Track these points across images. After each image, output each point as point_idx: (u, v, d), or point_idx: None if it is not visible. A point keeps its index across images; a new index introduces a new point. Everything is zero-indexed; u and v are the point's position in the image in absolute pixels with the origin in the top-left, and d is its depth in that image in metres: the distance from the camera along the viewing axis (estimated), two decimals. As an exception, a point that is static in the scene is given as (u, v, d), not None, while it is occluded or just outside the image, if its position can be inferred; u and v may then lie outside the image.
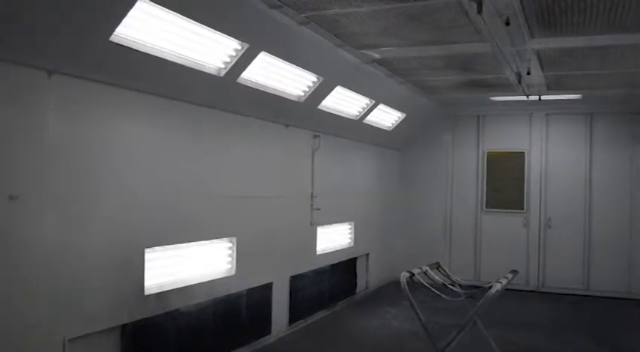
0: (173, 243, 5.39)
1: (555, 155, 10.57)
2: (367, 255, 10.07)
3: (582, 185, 10.36)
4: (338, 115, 8.05)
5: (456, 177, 11.15)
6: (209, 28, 4.84)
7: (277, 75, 6.26)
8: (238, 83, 5.70)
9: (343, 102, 7.99)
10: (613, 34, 5.71)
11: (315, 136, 7.90)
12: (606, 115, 10.26)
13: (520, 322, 8.15)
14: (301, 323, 7.67)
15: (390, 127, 10.05)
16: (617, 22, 5.32)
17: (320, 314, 8.23)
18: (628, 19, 5.25)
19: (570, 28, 5.55)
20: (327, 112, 7.70)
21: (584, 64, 7.06)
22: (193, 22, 4.65)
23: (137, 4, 4.06)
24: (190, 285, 5.57)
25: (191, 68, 5.07)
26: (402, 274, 5.40)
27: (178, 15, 4.49)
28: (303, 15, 5.19)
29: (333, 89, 7.22)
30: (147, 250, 5.02)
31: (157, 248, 5.17)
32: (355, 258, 9.61)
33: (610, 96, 9.29)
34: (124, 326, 4.78)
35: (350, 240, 9.42)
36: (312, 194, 7.85)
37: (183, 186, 5.44)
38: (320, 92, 7.04)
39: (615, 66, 7.09)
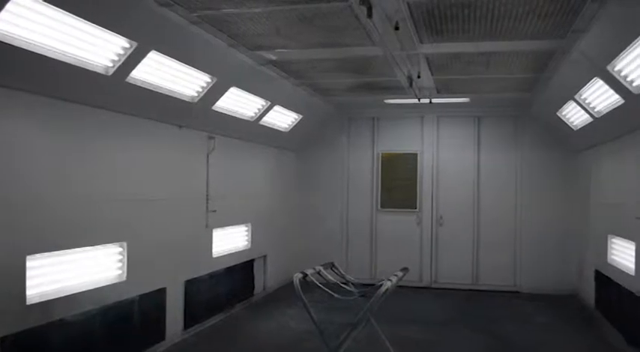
0: (58, 249, 5.13)
1: (446, 156, 11.00)
2: (265, 256, 10.04)
3: (471, 184, 10.85)
4: (233, 116, 7.97)
5: (352, 178, 11.35)
6: (94, 25, 4.64)
7: (169, 75, 6.10)
8: (127, 83, 5.52)
9: (239, 103, 7.92)
10: (495, 40, 5.99)
11: (211, 138, 7.79)
12: (493, 118, 10.79)
13: (413, 317, 8.42)
14: (197, 328, 7.53)
15: (286, 129, 10.09)
16: (497, 29, 5.59)
17: (217, 318, 8.12)
18: (508, 27, 5.52)
19: (455, 34, 5.77)
20: (223, 113, 7.60)
21: (471, 69, 7.38)
22: (77, 18, 4.45)
23: (14, -2, 3.85)
24: (77, 293, 5.32)
25: (76, 66, 4.84)
26: (295, 275, 5.42)
27: (61, 10, 4.29)
28: (194, 14, 5.10)
29: (227, 90, 7.14)
30: (29, 257, 4.76)
31: (39, 254, 4.91)
32: (252, 260, 9.55)
33: (496, 99, 9.79)
34: (4, 338, 4.49)
35: (247, 242, 9.36)
36: (207, 196, 7.73)
37: (68, 190, 5.19)
38: (214, 93, 6.93)
39: (499, 71, 7.45)
